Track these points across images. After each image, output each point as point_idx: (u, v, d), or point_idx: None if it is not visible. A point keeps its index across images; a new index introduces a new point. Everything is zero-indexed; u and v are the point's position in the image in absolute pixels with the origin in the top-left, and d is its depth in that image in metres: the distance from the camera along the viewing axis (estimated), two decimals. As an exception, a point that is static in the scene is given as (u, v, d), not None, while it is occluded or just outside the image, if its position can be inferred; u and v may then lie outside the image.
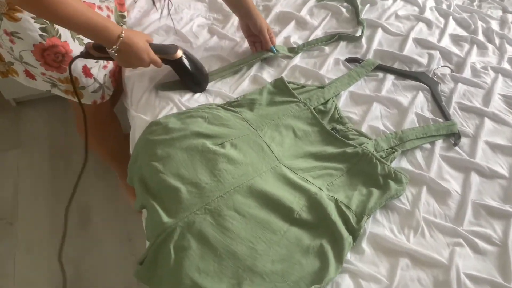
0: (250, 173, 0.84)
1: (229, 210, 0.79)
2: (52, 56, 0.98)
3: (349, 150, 0.89)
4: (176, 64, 1.01)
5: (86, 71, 1.05)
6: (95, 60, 1.06)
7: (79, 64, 1.03)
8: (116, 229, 1.45)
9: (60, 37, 0.97)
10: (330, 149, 0.91)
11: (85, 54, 0.94)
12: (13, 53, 0.98)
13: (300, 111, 0.98)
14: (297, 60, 1.11)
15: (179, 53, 0.99)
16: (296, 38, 1.17)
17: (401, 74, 1.07)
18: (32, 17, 0.92)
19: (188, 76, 1.03)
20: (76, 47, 1.00)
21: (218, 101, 1.02)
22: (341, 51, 1.14)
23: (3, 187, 1.57)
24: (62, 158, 1.65)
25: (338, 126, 0.96)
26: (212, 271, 0.73)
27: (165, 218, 0.79)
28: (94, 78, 1.07)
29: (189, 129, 0.91)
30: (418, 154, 0.90)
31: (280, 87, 1.02)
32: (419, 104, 1.00)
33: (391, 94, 1.02)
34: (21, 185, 1.58)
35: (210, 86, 1.06)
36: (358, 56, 1.12)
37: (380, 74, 1.07)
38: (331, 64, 1.10)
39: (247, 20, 1.08)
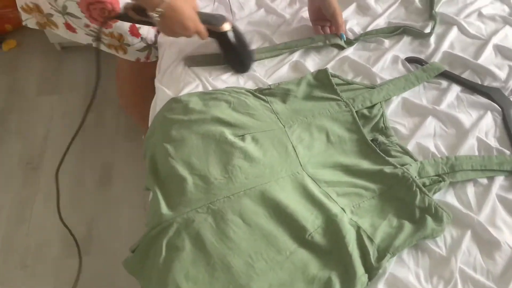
0: (266, 176, 0.75)
1: (234, 214, 0.70)
2: (97, 11, 0.93)
3: (387, 169, 0.76)
4: (222, 38, 0.90)
5: (134, 31, 0.99)
6: None
7: (124, 22, 0.97)
8: (134, 195, 1.42)
9: None
10: (365, 164, 0.79)
11: (123, 16, 0.87)
12: (55, 3, 0.93)
13: (340, 112, 0.85)
14: (350, 51, 0.97)
15: (227, 26, 0.89)
16: (354, 24, 1.03)
17: (469, 87, 0.90)
18: None
19: (233, 53, 0.93)
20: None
21: (250, 85, 0.92)
22: (403, 47, 0.98)
23: (35, 131, 1.59)
24: (95, 112, 1.63)
25: (381, 138, 0.83)
26: (201, 280, 0.66)
27: (164, 209, 0.72)
28: (142, 38, 1.02)
29: (210, 113, 0.82)
30: (470, 189, 0.76)
31: (322, 80, 0.90)
32: (484, 127, 0.83)
33: (452, 109, 0.86)
34: (51, 132, 1.59)
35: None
36: (422, 56, 0.96)
37: (444, 83, 0.91)
38: (387, 61, 0.95)
39: (320, 1, 0.96)
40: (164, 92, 0.91)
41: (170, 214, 0.71)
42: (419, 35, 1.00)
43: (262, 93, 0.89)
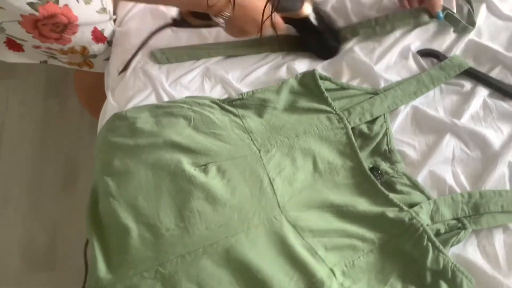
0: (234, 224, 0.59)
1: (190, 282, 0.55)
2: (49, 27, 0.75)
3: (390, 212, 0.60)
4: (302, 24, 0.74)
5: (97, 35, 0.81)
6: (111, 18, 0.83)
7: (85, 30, 0.79)
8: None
9: (57, 1, 0.72)
10: (362, 204, 0.62)
11: (179, 22, 0.74)
12: None
13: (331, 129, 0.67)
14: (352, 42, 0.78)
15: (308, 8, 0.72)
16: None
17: (501, 90, 0.71)
18: None
19: (316, 38, 0.76)
20: (83, 10, 0.76)
21: (217, 92, 0.73)
22: (418, 35, 0.78)
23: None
24: (58, 99, 1.45)
25: (383, 166, 0.65)
26: None
27: (102, 272, 0.57)
28: (108, 41, 0.85)
29: (163, 136, 0.65)
30: (499, 239, 0.59)
31: (309, 86, 0.71)
32: (520, 149, 0.66)
33: (478, 123, 0.68)
34: (8, 122, 1.42)
35: (215, 62, 0.76)
36: (440, 47, 0.76)
37: (467, 85, 0.72)
38: (395, 56, 0.75)
39: None
40: (109, 102, 0.73)
41: (109, 278, 0.57)
42: (454, 22, 0.77)
43: (232, 104, 0.71)
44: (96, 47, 0.83)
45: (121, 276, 0.56)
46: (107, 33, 0.83)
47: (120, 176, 0.63)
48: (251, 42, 0.79)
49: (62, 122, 1.42)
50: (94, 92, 0.98)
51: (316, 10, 0.75)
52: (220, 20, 0.69)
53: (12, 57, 0.84)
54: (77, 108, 1.38)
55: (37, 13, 0.70)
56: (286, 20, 0.73)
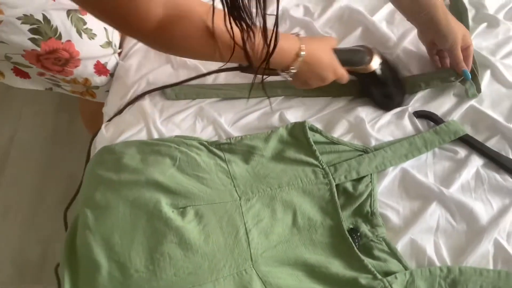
0: (203, 273, 0.59)
1: (149, 328, 0.55)
2: (51, 60, 0.78)
3: (363, 279, 0.58)
4: (368, 77, 0.73)
5: (100, 68, 0.84)
6: (116, 51, 0.85)
7: (88, 64, 0.82)
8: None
9: (60, 37, 0.75)
10: (336, 266, 0.61)
11: (245, 68, 0.70)
12: None
13: (315, 184, 0.67)
14: (348, 99, 0.78)
15: (375, 63, 0.71)
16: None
17: (496, 162, 0.69)
18: (18, 18, 0.70)
19: (382, 90, 0.75)
20: (86, 45, 0.78)
21: (208, 133, 0.74)
22: (417, 96, 0.77)
23: (1, 129, 1.47)
24: (68, 112, 1.49)
25: (363, 228, 0.64)
26: None
27: (67, 308, 0.58)
28: (111, 74, 0.87)
29: (147, 174, 0.66)
30: (475, 321, 0.57)
31: (298, 137, 0.71)
32: (508, 227, 0.63)
33: (467, 193, 0.67)
34: (19, 133, 1.46)
35: (209, 103, 0.78)
36: (438, 110, 0.75)
37: (462, 152, 0.70)
38: (390, 115, 0.75)
39: (431, 34, 0.75)
40: (101, 132, 0.75)
41: (72, 316, 0.57)
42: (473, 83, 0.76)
43: (219, 148, 0.71)
44: (99, 79, 0.85)
45: (85, 314, 0.57)
46: (110, 66, 0.85)
47: (100, 210, 0.64)
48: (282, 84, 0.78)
49: (70, 138, 1.45)
50: (96, 117, 1.01)
51: (384, 60, 0.73)
52: (286, 75, 0.68)
53: (19, 83, 0.87)
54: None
55: (38, 49, 0.73)
56: (351, 71, 0.72)
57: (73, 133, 1.45)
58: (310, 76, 0.68)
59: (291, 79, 0.68)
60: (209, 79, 0.80)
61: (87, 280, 0.59)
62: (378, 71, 0.72)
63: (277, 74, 0.68)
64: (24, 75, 0.85)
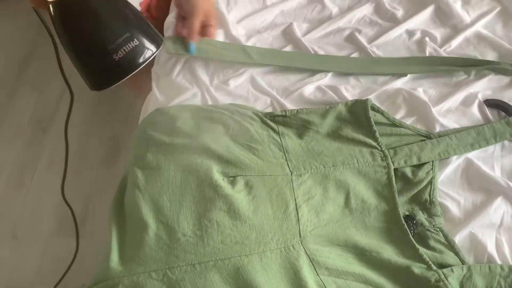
0: (250, 244, 0.58)
1: (192, 293, 0.55)
2: None
3: (416, 268, 0.56)
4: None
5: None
6: None
7: None
8: (140, 178, 1.32)
9: None
10: (388, 252, 0.59)
11: None
12: None
13: (372, 166, 0.64)
14: (410, 78, 0.74)
15: None
16: (427, 41, 0.77)
17: None
18: None
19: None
20: None
21: (261, 103, 0.72)
22: (489, 83, 0.72)
23: (52, 86, 1.51)
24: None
25: (420, 216, 0.62)
26: None
27: (114, 262, 0.59)
28: None
29: (200, 139, 0.65)
30: (533, 326, 0.54)
31: (358, 115, 0.68)
32: None
33: (538, 191, 0.62)
34: (67, 91, 1.50)
35: (261, 72, 0.75)
36: (510, 102, 0.70)
37: (535, 146, 0.66)
38: (458, 102, 0.70)
39: None
40: (155, 96, 0.75)
41: (119, 270, 0.58)
42: None
43: (273, 119, 0.69)
44: None
45: (130, 270, 0.57)
46: None
47: (150, 171, 0.64)
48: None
49: (114, 98, 1.47)
50: (137, 78, 1.01)
51: None
52: None
53: None
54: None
55: None
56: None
57: (118, 94, 1.47)
58: None
59: None
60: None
61: (134, 239, 0.60)
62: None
63: None
64: None
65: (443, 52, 0.76)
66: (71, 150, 1.37)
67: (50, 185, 1.34)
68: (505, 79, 0.72)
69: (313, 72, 0.75)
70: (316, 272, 0.57)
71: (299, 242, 0.59)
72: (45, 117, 1.45)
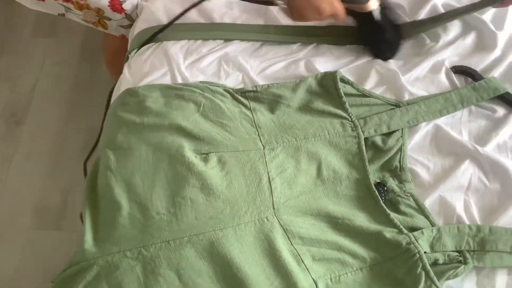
0: (224, 218, 0.59)
1: (169, 269, 0.56)
2: None
3: (388, 233, 0.58)
4: (364, 17, 0.71)
5: (115, 6, 0.82)
6: None
7: None
8: (119, 166, 1.31)
9: None
10: (360, 219, 0.60)
11: None
12: None
13: (343, 136, 0.65)
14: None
15: (374, 3, 0.69)
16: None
17: (536, 122, 0.66)
18: None
19: (378, 36, 0.74)
20: None
21: (233, 80, 0.73)
22: (456, 49, 0.73)
23: (24, 78, 1.48)
24: (90, 64, 1.49)
25: (391, 183, 0.63)
26: None
27: (88, 244, 0.59)
28: (126, 14, 0.85)
29: (170, 118, 0.65)
30: (501, 281, 0.56)
31: (328, 88, 0.69)
32: (545, 189, 0.61)
33: (503, 153, 0.64)
34: (40, 82, 1.47)
35: (235, 49, 0.75)
36: (478, 66, 0.71)
37: (500, 111, 0.68)
38: (426, 69, 0.72)
39: None
40: (125, 76, 0.74)
41: (93, 251, 0.58)
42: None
43: (245, 95, 0.70)
44: (111, 14, 0.83)
45: (105, 251, 0.57)
46: (127, 6, 0.83)
47: (121, 151, 0.64)
48: (302, 29, 0.77)
49: (91, 88, 1.45)
50: (119, 55, 1.00)
51: (383, 4, 0.71)
52: (281, 3, 0.68)
53: (34, 5, 0.85)
54: (107, 76, 1.42)
55: None
56: (349, 11, 0.71)
57: (95, 85, 1.45)
58: (306, 5, 0.67)
59: (286, 7, 0.67)
60: (217, 19, 0.78)
61: (108, 220, 0.60)
62: (376, 13, 0.70)
63: (272, 3, 0.68)
64: None
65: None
66: (48, 143, 1.37)
67: (27, 179, 1.32)
68: (469, 45, 0.74)
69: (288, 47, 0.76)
70: (290, 241, 0.58)
71: (273, 213, 0.60)
72: (18, 110, 1.43)
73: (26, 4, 0.86)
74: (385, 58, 0.74)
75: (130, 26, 0.87)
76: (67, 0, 0.81)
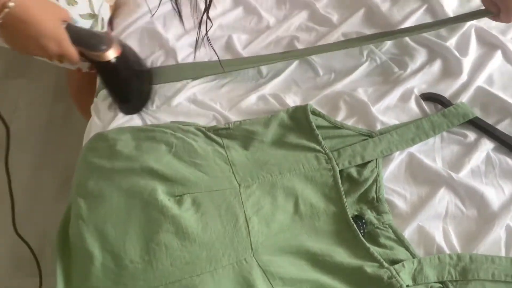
0: (201, 263, 0.57)
1: (145, 320, 0.53)
2: None
3: (368, 267, 0.57)
4: (103, 67, 0.68)
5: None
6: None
7: None
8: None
9: None
10: (340, 255, 0.59)
11: None
12: None
13: (318, 170, 0.65)
14: (349, 80, 0.75)
15: (112, 53, 0.66)
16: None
17: (507, 145, 0.67)
18: None
19: (118, 88, 0.71)
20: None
21: (204, 118, 0.72)
22: (424, 77, 0.74)
23: (-3, 121, 1.46)
24: (64, 104, 1.47)
25: (369, 215, 0.62)
26: None
27: (60, 295, 0.56)
28: None
29: (141, 161, 0.64)
30: (486, 311, 0.55)
31: (300, 121, 0.69)
32: (522, 213, 0.61)
33: (478, 179, 0.64)
34: (14, 125, 1.44)
35: (202, 89, 0.75)
36: (446, 92, 0.72)
37: (471, 136, 0.68)
38: (396, 98, 0.72)
39: None
40: (93, 119, 0.73)
41: (65, 305, 0.55)
42: None
43: (217, 133, 0.69)
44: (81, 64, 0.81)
45: (77, 304, 0.55)
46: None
47: (93, 199, 0.62)
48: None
49: (66, 128, 1.43)
50: (83, 93, 0.98)
51: (127, 56, 0.68)
52: None
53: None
54: (81, 115, 1.41)
55: None
56: (85, 56, 0.67)
57: (69, 125, 1.43)
58: (25, 38, 0.60)
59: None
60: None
61: (81, 271, 0.58)
62: (114, 64, 0.67)
63: None
64: None
65: (379, 51, 0.78)
66: (22, 185, 1.33)
67: (2, 225, 1.28)
68: (436, 73, 0.75)
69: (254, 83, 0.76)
70: (271, 283, 0.57)
71: (251, 255, 0.59)
72: (-8, 154, 1.40)
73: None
74: (124, 111, 0.72)
75: None
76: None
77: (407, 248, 0.59)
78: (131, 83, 0.71)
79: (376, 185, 0.64)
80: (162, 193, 0.61)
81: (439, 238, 0.60)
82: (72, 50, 0.64)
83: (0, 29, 0.58)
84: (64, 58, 0.65)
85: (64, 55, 0.64)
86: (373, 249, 0.59)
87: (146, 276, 0.56)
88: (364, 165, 0.66)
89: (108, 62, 0.66)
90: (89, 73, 0.90)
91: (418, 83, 0.74)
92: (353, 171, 0.66)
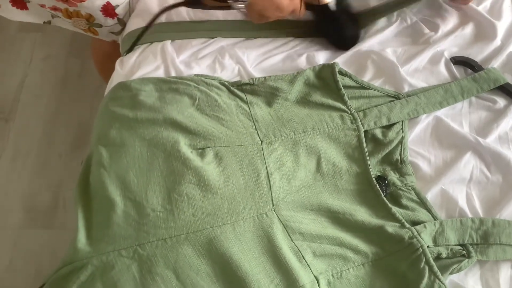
0: (222, 215, 0.57)
1: (166, 267, 0.54)
2: None
3: (390, 227, 0.57)
4: (321, 10, 0.72)
5: (108, 10, 0.79)
6: None
7: (96, 0, 0.77)
8: (111, 163, 1.29)
9: None
10: (362, 214, 0.59)
11: (192, 2, 0.70)
12: None
13: (342, 129, 0.64)
14: (378, 39, 0.73)
15: None
16: None
17: (538, 112, 0.66)
18: None
19: (335, 27, 0.75)
20: None
21: (228, 73, 0.71)
22: (455, 40, 0.72)
23: (12, 74, 1.44)
24: (80, 58, 1.46)
25: (392, 176, 0.62)
26: None
27: (81, 243, 0.57)
28: (119, 18, 0.82)
29: (165, 112, 0.64)
30: (505, 274, 0.55)
31: (326, 80, 0.68)
32: (547, 180, 0.61)
33: (505, 145, 0.63)
34: (29, 78, 1.44)
35: (231, 42, 0.74)
36: (477, 57, 0.70)
37: (501, 102, 0.67)
38: (425, 60, 0.70)
39: None
40: (117, 70, 0.72)
41: (87, 250, 0.56)
42: None
43: (241, 88, 0.68)
44: (103, 19, 0.80)
45: (99, 250, 0.56)
46: (120, 10, 0.80)
47: (115, 148, 0.62)
48: (267, 25, 0.74)
49: (80, 84, 1.42)
50: (109, 61, 0.98)
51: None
52: (239, 5, 0.67)
53: (16, 15, 0.82)
54: (96, 72, 1.39)
55: None
56: (306, 5, 0.71)
57: (84, 80, 1.42)
58: (266, 5, 0.66)
59: (245, 10, 0.67)
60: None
61: (102, 219, 0.58)
62: (331, 5, 0.71)
63: (229, 7, 0.68)
64: (22, 5, 0.80)
65: (410, 12, 0.76)
66: (37, 139, 1.34)
67: (16, 177, 1.29)
68: (468, 36, 0.73)
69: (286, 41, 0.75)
70: (290, 237, 0.57)
71: (272, 209, 0.59)
72: (6, 107, 1.39)
73: (10, 17, 0.82)
74: (346, 47, 0.74)
75: (121, 32, 0.84)
76: (55, 8, 0.78)
77: (429, 210, 0.59)
78: (346, 22, 0.75)
79: (401, 147, 0.63)
80: (184, 145, 0.61)
81: (462, 202, 0.60)
82: (298, 3, 0.68)
83: (249, 5, 0.67)
84: (295, 12, 0.69)
85: (294, 9, 0.68)
86: (395, 209, 0.59)
87: (167, 224, 0.57)
88: (389, 126, 0.65)
89: (326, 5, 0.71)
90: (114, 43, 0.90)
91: (449, 46, 0.72)
92: (378, 132, 0.65)
